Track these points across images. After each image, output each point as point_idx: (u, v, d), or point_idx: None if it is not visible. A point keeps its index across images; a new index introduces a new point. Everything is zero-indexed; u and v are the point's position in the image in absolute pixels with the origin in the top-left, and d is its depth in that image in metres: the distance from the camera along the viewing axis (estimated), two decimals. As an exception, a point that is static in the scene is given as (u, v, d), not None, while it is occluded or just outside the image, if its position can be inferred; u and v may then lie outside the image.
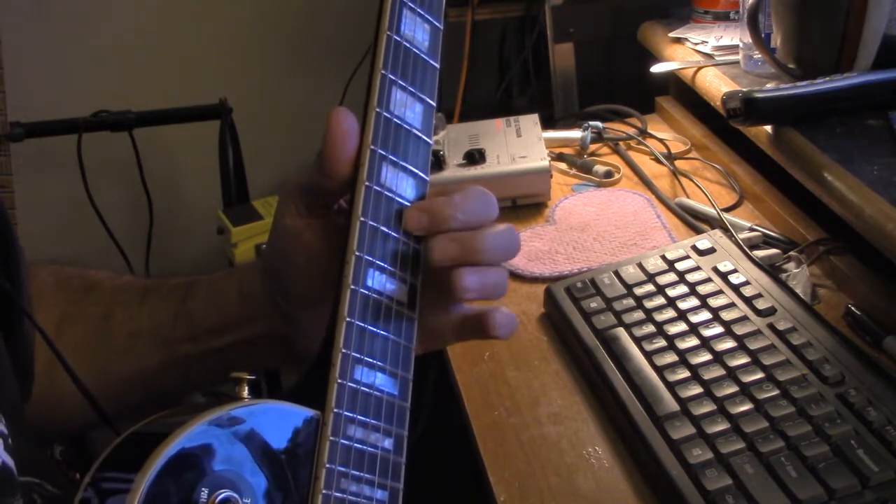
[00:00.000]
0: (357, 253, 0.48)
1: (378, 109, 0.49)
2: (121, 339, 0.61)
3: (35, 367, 0.59)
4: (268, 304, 0.57)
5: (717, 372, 0.68)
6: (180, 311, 0.61)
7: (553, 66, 1.32)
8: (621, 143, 1.14)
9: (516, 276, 0.89)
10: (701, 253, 0.83)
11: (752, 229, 0.90)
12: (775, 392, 0.65)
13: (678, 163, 1.09)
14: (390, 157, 0.50)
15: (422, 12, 0.52)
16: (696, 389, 0.67)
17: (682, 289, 0.78)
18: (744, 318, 0.73)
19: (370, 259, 0.48)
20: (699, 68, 1.07)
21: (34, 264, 0.63)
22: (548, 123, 1.20)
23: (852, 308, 0.78)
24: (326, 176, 0.49)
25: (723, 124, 0.95)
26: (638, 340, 0.73)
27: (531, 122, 1.09)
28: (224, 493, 0.39)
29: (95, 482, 0.40)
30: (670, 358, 0.71)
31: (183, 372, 0.62)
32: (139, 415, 0.43)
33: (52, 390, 0.60)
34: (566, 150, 1.14)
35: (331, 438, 0.45)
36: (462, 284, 0.49)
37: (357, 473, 0.46)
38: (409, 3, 0.51)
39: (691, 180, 1.03)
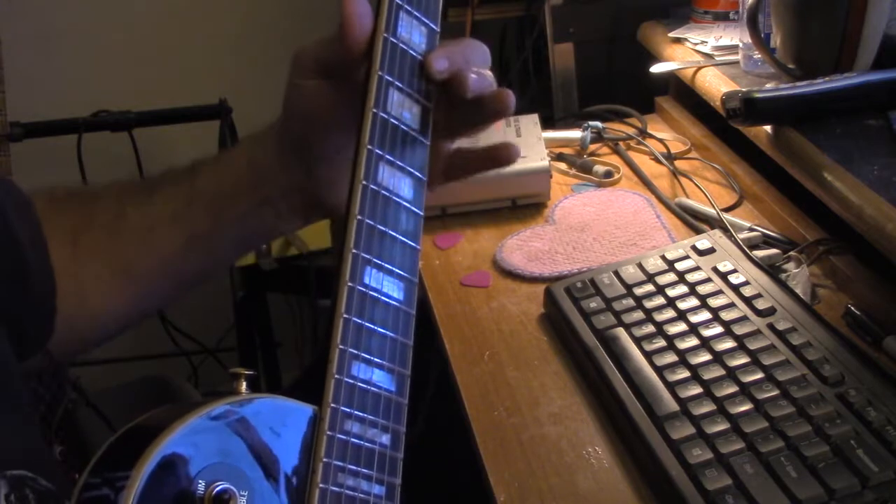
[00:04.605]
0: (354, 251, 0.48)
1: (375, 110, 0.50)
2: (138, 234, 0.62)
3: (59, 294, 0.61)
4: (279, 168, 0.59)
5: (717, 372, 0.68)
6: (191, 191, 0.62)
7: (553, 66, 1.32)
8: (621, 143, 1.14)
9: (516, 275, 0.89)
10: (701, 253, 0.83)
11: (751, 229, 0.90)
12: (775, 392, 0.65)
13: (678, 163, 1.09)
14: (387, 156, 0.50)
15: (418, 15, 0.52)
16: (696, 389, 0.67)
17: (682, 289, 0.78)
18: (743, 318, 0.73)
19: (367, 257, 0.49)
20: (699, 68, 1.07)
21: (32, 195, 0.64)
22: (548, 123, 1.20)
23: (852, 308, 0.78)
24: (344, 47, 0.52)
25: (723, 124, 0.95)
26: (638, 340, 0.73)
27: (531, 122, 1.09)
28: (221, 486, 0.39)
29: (93, 478, 0.39)
30: (670, 358, 0.70)
31: (205, 251, 0.63)
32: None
33: (82, 310, 0.62)
34: (566, 150, 1.14)
35: (328, 433, 0.45)
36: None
37: (354, 468, 0.46)
38: (406, 6, 0.51)
39: (691, 180, 1.03)
